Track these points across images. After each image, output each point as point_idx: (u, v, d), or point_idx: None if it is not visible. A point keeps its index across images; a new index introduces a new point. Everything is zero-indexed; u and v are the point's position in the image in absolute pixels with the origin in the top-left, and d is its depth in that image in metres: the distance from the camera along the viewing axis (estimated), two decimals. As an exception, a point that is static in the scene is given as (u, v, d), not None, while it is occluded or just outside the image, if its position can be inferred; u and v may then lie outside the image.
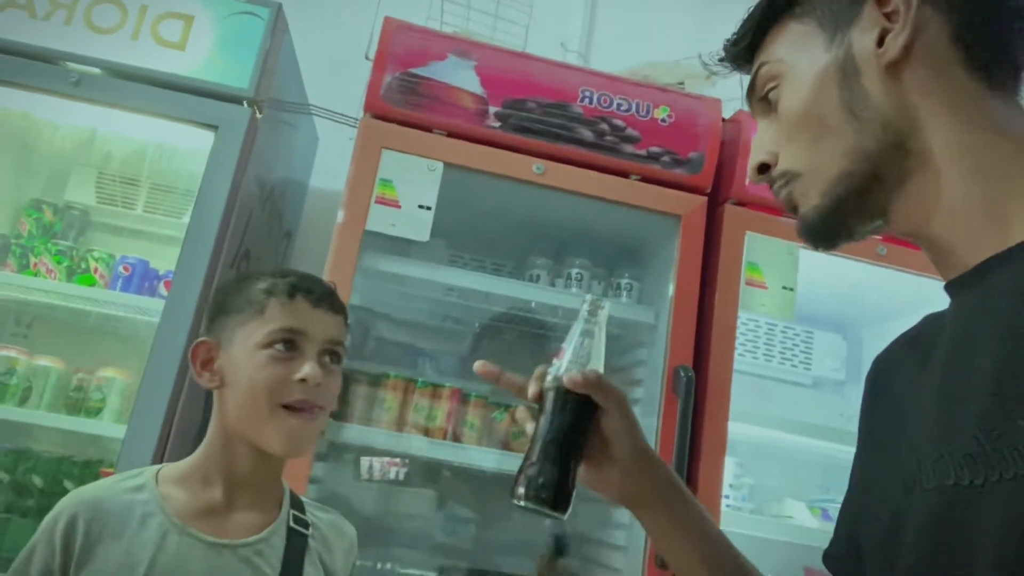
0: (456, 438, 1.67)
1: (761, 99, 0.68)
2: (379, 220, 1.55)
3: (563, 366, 0.72)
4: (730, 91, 1.75)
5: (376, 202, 1.56)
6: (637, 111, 1.68)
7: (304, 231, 2.32)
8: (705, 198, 1.70)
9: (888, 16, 0.60)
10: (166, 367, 1.47)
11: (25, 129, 1.89)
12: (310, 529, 1.04)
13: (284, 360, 0.98)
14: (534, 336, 1.92)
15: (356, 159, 1.57)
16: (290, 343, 0.98)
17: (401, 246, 1.61)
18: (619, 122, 1.67)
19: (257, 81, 1.62)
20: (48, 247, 1.79)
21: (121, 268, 1.79)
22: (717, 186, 1.72)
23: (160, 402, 1.45)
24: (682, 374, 1.56)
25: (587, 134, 1.66)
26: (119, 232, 2.04)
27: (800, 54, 0.65)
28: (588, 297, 0.75)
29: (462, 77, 1.63)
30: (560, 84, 1.67)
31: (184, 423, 1.49)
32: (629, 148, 1.67)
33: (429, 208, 1.57)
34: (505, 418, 1.76)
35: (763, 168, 0.67)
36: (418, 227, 1.56)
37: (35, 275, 1.76)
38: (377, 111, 1.59)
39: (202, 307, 1.51)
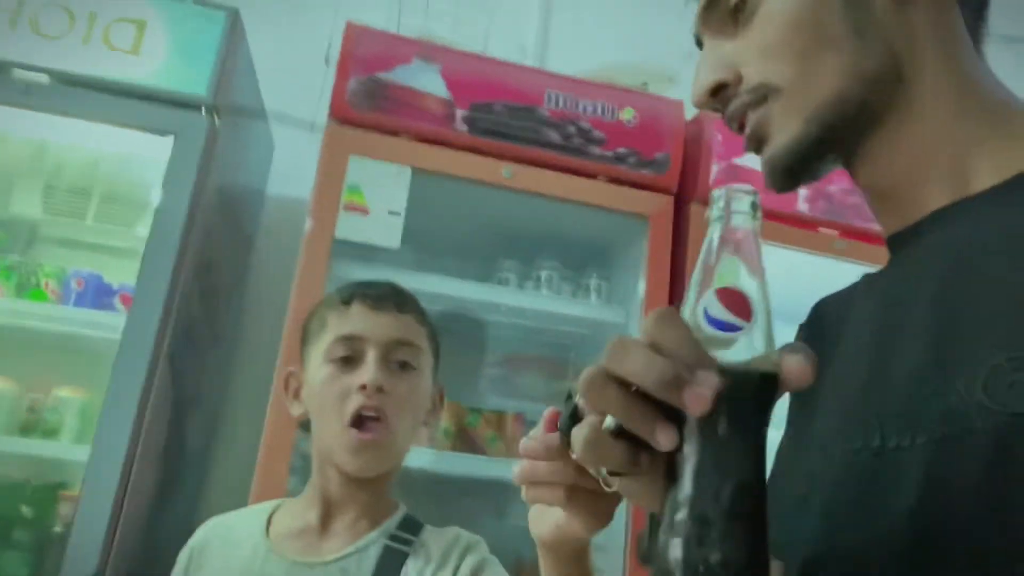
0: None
1: (730, 10, 0.57)
2: (348, 228, 1.52)
3: (757, 340, 0.40)
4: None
5: (344, 209, 1.53)
6: (603, 113, 1.69)
7: (264, 239, 2.26)
8: (672, 198, 1.72)
9: None
10: (129, 385, 1.41)
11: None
12: (413, 545, 0.97)
13: (345, 370, 0.95)
14: (503, 339, 1.92)
15: (322, 166, 1.54)
16: (349, 351, 0.96)
17: (366, 252, 1.59)
18: (585, 124, 1.68)
19: (215, 87, 1.57)
20: (-6, 263, 1.71)
21: (73, 283, 1.72)
22: (683, 186, 1.74)
23: (124, 421, 1.39)
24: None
25: (554, 136, 1.66)
26: (68, 245, 1.96)
27: None
28: (724, 190, 0.44)
29: (428, 81, 1.61)
30: (526, 87, 1.67)
31: (149, 443, 1.44)
32: (596, 150, 1.68)
33: (399, 214, 1.55)
34: (480, 421, 1.75)
35: (718, 89, 0.57)
36: (388, 233, 1.54)
37: (-17, 294, 1.68)
38: (342, 116, 1.57)
39: (165, 322, 1.46)
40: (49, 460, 1.65)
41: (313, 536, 0.97)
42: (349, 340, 0.96)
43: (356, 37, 1.60)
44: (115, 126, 1.54)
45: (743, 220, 0.43)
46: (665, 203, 1.71)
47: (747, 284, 0.41)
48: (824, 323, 0.65)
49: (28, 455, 1.59)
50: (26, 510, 1.60)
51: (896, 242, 0.57)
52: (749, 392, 0.39)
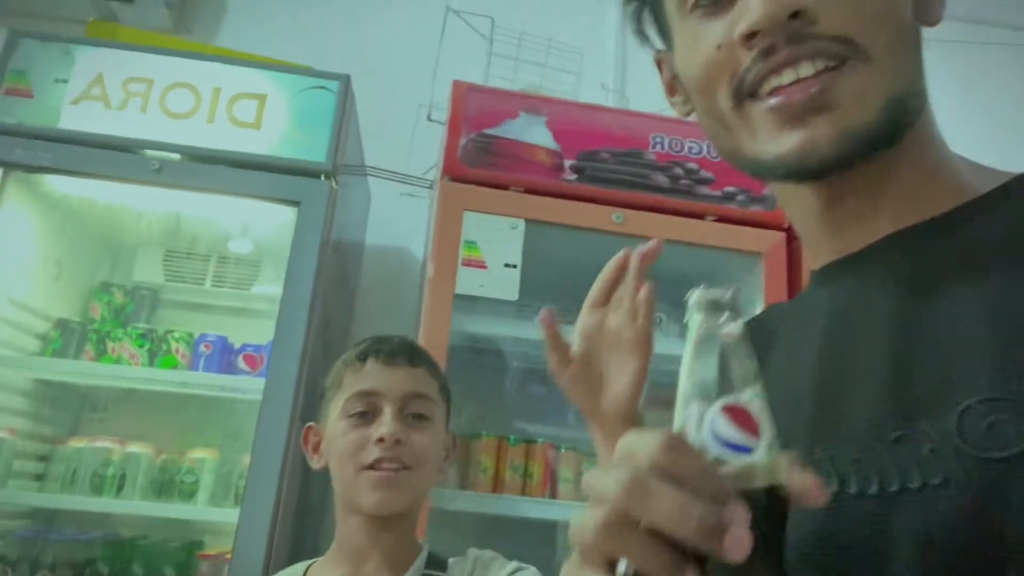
0: (553, 494, 1.66)
1: None
2: (467, 282, 1.55)
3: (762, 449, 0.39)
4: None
5: (463, 264, 1.56)
6: (709, 152, 1.69)
7: (366, 289, 2.33)
8: (784, 233, 1.70)
9: None
10: (272, 445, 1.46)
11: (110, 219, 1.90)
12: None
13: (361, 424, 0.99)
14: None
15: (439, 223, 1.58)
16: (366, 406, 1.00)
17: (466, 302, 1.61)
18: (692, 165, 1.68)
19: (333, 152, 1.63)
20: (128, 332, 1.79)
21: (202, 347, 1.79)
22: (793, 220, 1.72)
23: (270, 482, 1.44)
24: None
25: (662, 179, 1.67)
26: (189, 308, 2.05)
27: None
28: (699, 291, 0.44)
29: (535, 133, 1.64)
30: (631, 132, 1.69)
31: (290, 502, 1.48)
32: (704, 189, 1.68)
33: (515, 266, 1.58)
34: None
35: (795, 16, 0.46)
36: (506, 286, 1.57)
37: (117, 361, 1.76)
38: (455, 174, 1.60)
39: (301, 381, 1.51)
40: (185, 521, 1.71)
41: None
42: (365, 396, 0.99)
43: (463, 95, 1.65)
44: (244, 198, 1.61)
45: (727, 324, 0.41)
46: (778, 239, 1.69)
47: (746, 395, 0.40)
48: (755, 336, 0.61)
49: (165, 517, 1.65)
50: (169, 571, 1.66)
51: (830, 273, 0.54)
52: (773, 514, 0.42)
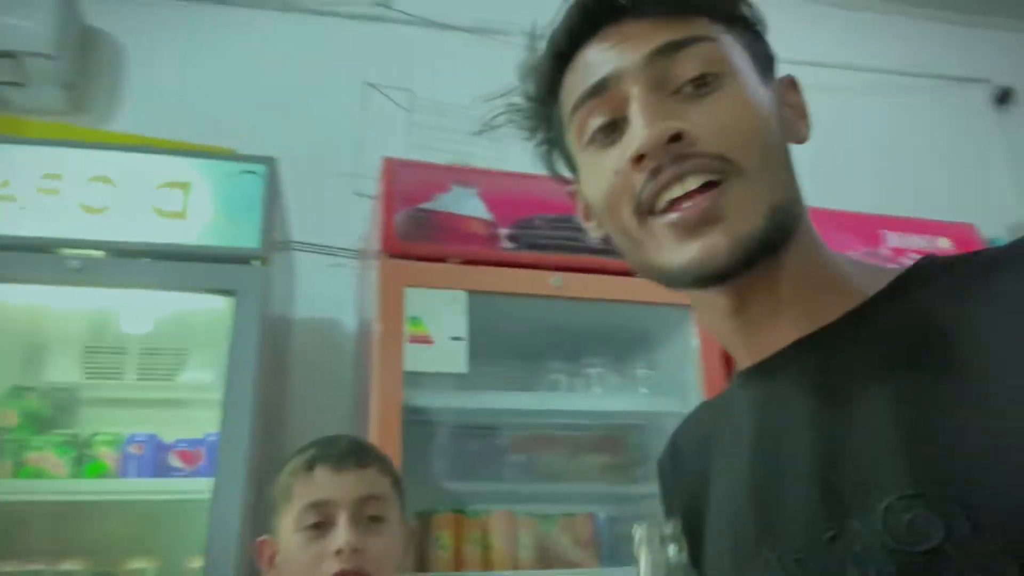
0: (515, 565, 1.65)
1: (686, 79, 0.55)
2: (415, 358, 1.55)
3: None
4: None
5: (409, 341, 1.56)
6: (635, 212, 1.77)
7: (296, 364, 2.27)
8: (710, 284, 1.78)
9: (785, 103, 0.60)
10: (226, 547, 1.39)
11: (21, 320, 1.78)
12: None
13: (317, 536, 0.98)
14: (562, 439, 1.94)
15: (382, 301, 1.57)
16: (320, 516, 0.98)
17: (411, 376, 1.60)
18: (621, 225, 1.75)
19: (265, 236, 1.60)
20: (49, 438, 1.68)
21: (131, 448, 1.69)
22: (718, 270, 1.81)
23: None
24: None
25: (594, 241, 1.72)
26: (110, 405, 1.93)
27: (741, 64, 0.57)
28: (646, 527, 0.51)
29: (468, 205, 1.67)
30: (561, 197, 1.74)
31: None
32: (634, 248, 1.74)
33: (462, 339, 1.58)
34: (556, 529, 1.76)
35: (676, 138, 0.52)
36: (454, 359, 1.57)
37: (38, 474, 1.64)
38: (393, 250, 1.61)
39: (251, 477, 1.45)
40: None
41: None
42: (318, 506, 0.98)
43: (393, 170, 1.66)
44: (175, 291, 1.55)
45: (673, 553, 0.47)
46: (706, 289, 1.77)
47: None
48: (683, 458, 0.68)
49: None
50: None
51: (751, 376, 0.59)
52: None
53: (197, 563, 1.63)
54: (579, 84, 0.58)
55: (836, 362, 0.52)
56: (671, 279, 0.55)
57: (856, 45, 3.05)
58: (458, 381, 1.63)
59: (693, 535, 0.63)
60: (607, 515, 1.93)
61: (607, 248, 1.75)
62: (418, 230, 1.62)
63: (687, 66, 0.54)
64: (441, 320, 1.59)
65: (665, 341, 1.88)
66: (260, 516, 1.51)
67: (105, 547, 1.66)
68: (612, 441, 1.98)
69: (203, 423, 1.81)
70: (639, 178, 0.54)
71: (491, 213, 1.68)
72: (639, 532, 0.49)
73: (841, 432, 0.50)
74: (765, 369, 0.57)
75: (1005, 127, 3.09)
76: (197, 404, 1.95)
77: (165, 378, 1.94)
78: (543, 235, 1.69)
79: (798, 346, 0.55)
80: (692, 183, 0.52)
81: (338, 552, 0.95)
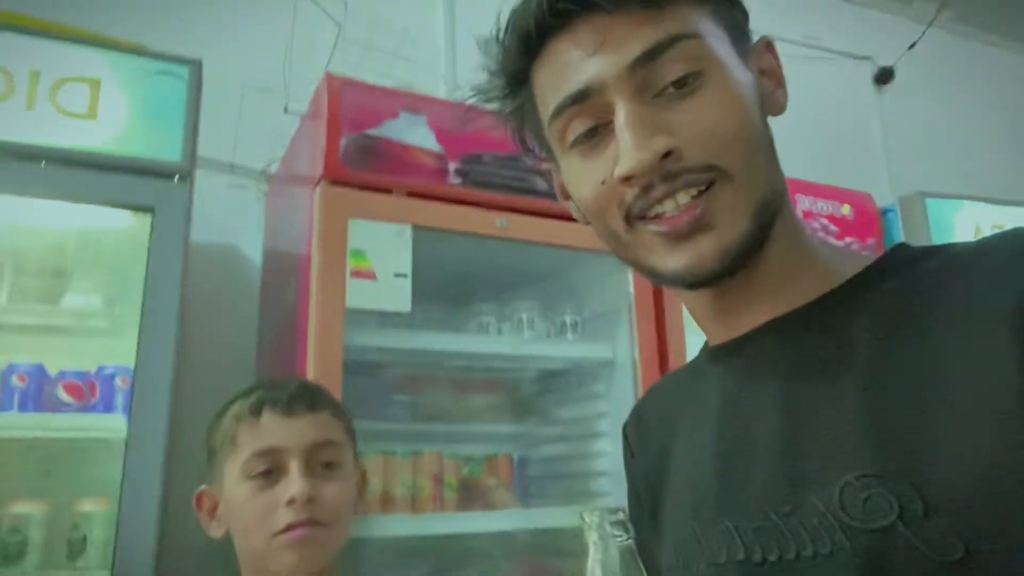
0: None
1: (669, 81, 0.54)
2: (357, 295, 1.45)
3: None
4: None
5: (351, 276, 1.46)
6: (581, 157, 1.74)
7: (194, 294, 2.07)
8: (647, 235, 1.80)
9: (763, 71, 0.60)
10: (147, 491, 1.26)
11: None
12: None
13: (267, 485, 0.91)
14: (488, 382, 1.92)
15: (323, 231, 1.45)
16: (269, 464, 0.91)
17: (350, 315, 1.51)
18: (568, 170, 1.71)
19: (189, 150, 1.42)
20: (-90, 365, 1.43)
21: (14, 378, 1.49)
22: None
23: (147, 535, 1.24)
24: (660, 406, 1.67)
25: (542, 184, 1.68)
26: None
27: (722, 52, 0.56)
28: (595, 513, 0.49)
29: (417, 135, 1.57)
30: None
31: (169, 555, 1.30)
32: (578, 194, 1.72)
33: (406, 276, 1.50)
34: (482, 471, 1.75)
35: (666, 155, 0.53)
36: (398, 297, 1.49)
37: (-101, 403, 1.40)
38: (336, 177, 1.48)
39: (174, 415, 1.32)
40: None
41: None
42: (267, 453, 0.91)
43: (338, 90, 1.52)
44: (83, 203, 1.35)
45: (620, 542, 0.47)
46: (643, 240, 1.79)
47: None
48: (648, 427, 0.70)
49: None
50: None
51: (723, 352, 0.61)
52: None
53: (88, 507, 1.49)
54: (558, 86, 0.56)
55: (807, 344, 0.54)
56: (661, 281, 0.57)
57: (758, 13, 3.15)
58: (383, 320, 1.55)
59: (654, 501, 0.66)
60: (519, 456, 1.95)
61: (551, 192, 1.71)
62: (363, 157, 1.50)
63: (670, 69, 0.54)
64: (385, 255, 1.49)
65: (598, 289, 1.88)
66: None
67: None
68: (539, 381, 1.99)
69: (86, 355, 1.63)
70: (629, 192, 0.54)
71: (440, 145, 1.58)
72: (588, 518, 0.49)
73: (806, 411, 0.51)
74: (737, 347, 0.59)
75: (884, 105, 3.33)
76: (76, 332, 1.75)
77: (46, 302, 1.71)
78: (492, 172, 1.62)
79: (771, 327, 0.57)
80: (683, 198, 0.53)
81: (290, 502, 0.88)
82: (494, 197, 1.62)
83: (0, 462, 1.51)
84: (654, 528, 0.66)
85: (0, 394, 1.48)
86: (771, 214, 0.56)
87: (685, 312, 1.76)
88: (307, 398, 0.95)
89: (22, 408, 1.47)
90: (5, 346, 1.59)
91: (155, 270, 1.35)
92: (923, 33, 3.33)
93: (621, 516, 0.48)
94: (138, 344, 1.31)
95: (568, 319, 1.90)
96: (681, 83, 0.54)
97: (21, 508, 1.43)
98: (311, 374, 1.38)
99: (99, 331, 1.75)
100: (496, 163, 1.63)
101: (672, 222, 0.53)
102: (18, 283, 1.69)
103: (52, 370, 1.54)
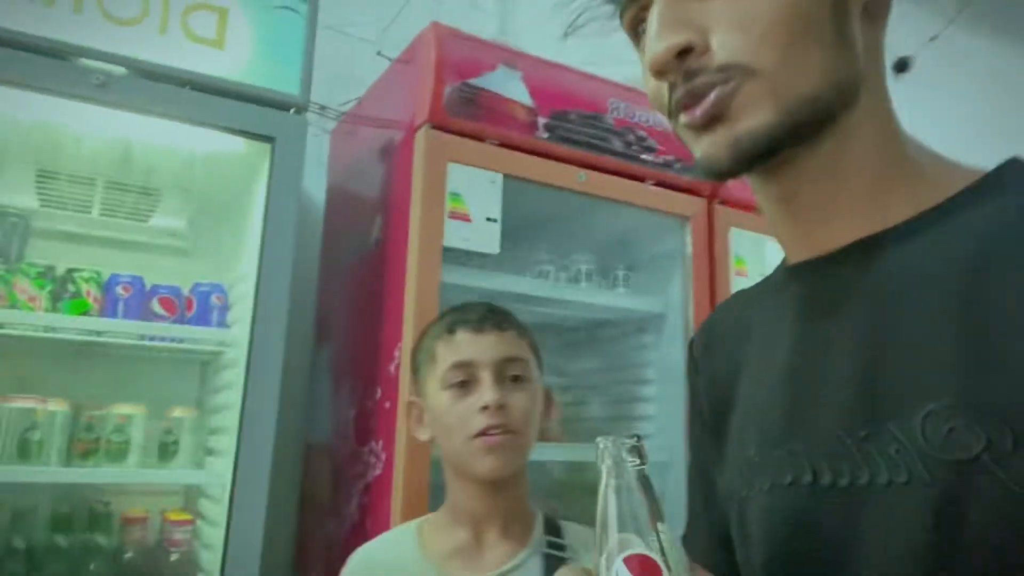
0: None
1: None
2: (453, 235, 1.55)
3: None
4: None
5: (449, 217, 1.55)
6: (654, 122, 1.84)
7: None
8: (706, 200, 1.93)
9: None
10: (266, 406, 1.36)
11: (43, 143, 1.53)
12: (567, 551, 1.07)
13: (463, 394, 1.04)
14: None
15: (425, 172, 1.54)
16: (464, 375, 1.04)
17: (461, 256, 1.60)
18: (642, 132, 1.82)
19: (307, 87, 1.50)
20: (24, 268, 1.50)
21: (119, 289, 1.57)
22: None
23: (264, 448, 1.35)
24: (710, 359, 1.81)
25: (618, 144, 1.78)
26: (66, 239, 1.75)
27: None
28: (609, 440, 0.49)
29: (513, 88, 1.65)
30: (593, 95, 1.77)
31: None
32: (649, 156, 1.83)
33: (496, 220, 1.60)
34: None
35: (685, 52, 0.51)
36: (489, 240, 1.59)
37: (13, 305, 1.47)
38: (439, 122, 1.57)
39: (288, 339, 1.42)
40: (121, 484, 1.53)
41: (471, 552, 1.04)
42: (462, 366, 1.04)
43: (444, 40, 1.59)
44: (207, 128, 1.42)
45: (633, 468, 0.47)
46: (702, 205, 1.91)
47: (651, 540, 0.45)
48: (716, 344, 0.68)
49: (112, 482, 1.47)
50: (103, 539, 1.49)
51: (805, 270, 0.57)
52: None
53: (178, 412, 1.59)
54: None
55: (900, 267, 0.50)
56: (699, 171, 0.55)
57: None
58: (484, 262, 1.66)
59: (717, 420, 0.64)
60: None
61: (626, 152, 1.83)
62: (464, 106, 1.59)
63: None
64: (478, 199, 1.59)
65: (658, 246, 1.99)
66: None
67: (87, 391, 1.55)
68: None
69: (174, 271, 1.71)
70: (663, 87, 0.54)
71: (533, 100, 1.67)
72: (602, 444, 0.49)
73: (891, 336, 0.48)
74: (819, 265, 0.55)
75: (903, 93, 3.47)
76: (164, 250, 1.83)
77: (135, 219, 1.78)
78: (576, 130, 1.72)
79: (858, 247, 0.53)
80: (707, 102, 0.51)
81: (484, 408, 1.00)
82: (574, 153, 1.72)
83: (102, 367, 1.59)
84: (716, 447, 0.64)
85: (104, 302, 1.56)
86: (822, 110, 0.51)
87: (734, 275, 1.91)
88: (495, 319, 1.07)
89: (125, 317, 1.55)
90: (97, 258, 1.67)
91: (276, 198, 1.43)
92: (946, 27, 3.46)
93: (635, 443, 0.48)
94: (259, 264, 1.40)
95: (621, 274, 2.03)
96: None
97: (125, 410, 1.53)
98: (409, 307, 1.49)
99: (178, 249, 1.83)
100: (581, 120, 1.73)
101: (689, 113, 0.52)
102: (108, 199, 1.75)
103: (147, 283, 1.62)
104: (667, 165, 1.86)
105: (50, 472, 1.38)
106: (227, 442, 1.56)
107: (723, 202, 1.97)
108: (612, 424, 2.03)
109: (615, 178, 1.78)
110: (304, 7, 1.52)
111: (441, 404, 1.04)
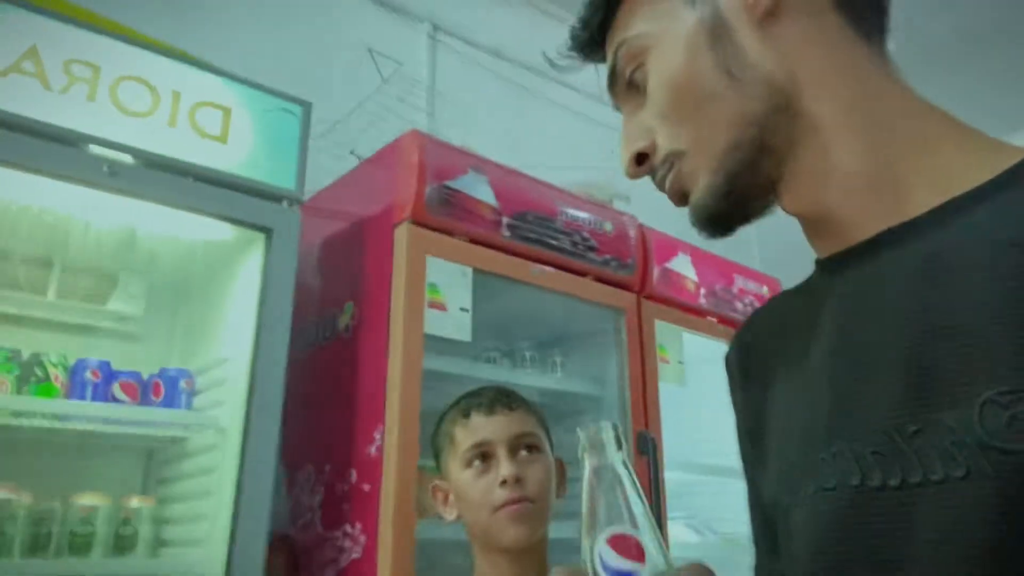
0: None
1: (627, 84, 0.60)
2: (432, 324, 1.67)
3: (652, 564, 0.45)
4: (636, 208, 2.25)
5: (428, 306, 1.67)
6: (594, 225, 2.07)
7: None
8: (636, 295, 2.16)
9: None
10: (261, 485, 1.38)
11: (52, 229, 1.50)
12: None
13: (484, 471, 1.14)
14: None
15: (408, 264, 1.66)
16: (482, 456, 1.15)
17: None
18: (586, 234, 2.04)
19: (301, 181, 1.59)
20: (-10, 352, 1.44)
21: (88, 373, 1.54)
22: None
23: (260, 523, 1.36)
24: (647, 437, 2.00)
25: (566, 243, 1.99)
26: (12, 322, 1.68)
27: (662, 22, 0.58)
28: (590, 428, 0.50)
29: (481, 190, 1.83)
30: (547, 200, 1.98)
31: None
32: (591, 255, 2.05)
33: (467, 310, 1.74)
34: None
35: (641, 158, 0.60)
36: (462, 328, 1.72)
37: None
38: (420, 219, 1.70)
39: (283, 419, 1.46)
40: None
41: None
42: (480, 445, 1.14)
43: (422, 145, 1.75)
44: (208, 217, 1.47)
45: (613, 453, 0.48)
46: (634, 299, 2.15)
47: (632, 519, 0.46)
48: (752, 353, 0.65)
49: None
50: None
51: (836, 264, 0.55)
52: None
53: (136, 502, 1.57)
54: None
55: (939, 252, 0.48)
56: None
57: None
58: (453, 349, 1.78)
59: (759, 429, 0.61)
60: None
61: (572, 251, 2.06)
62: (441, 205, 1.74)
63: (623, 74, 0.61)
64: (452, 290, 1.73)
65: (596, 335, 2.18)
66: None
67: (47, 481, 1.48)
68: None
69: (122, 354, 1.70)
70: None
71: (498, 202, 1.85)
72: (583, 434, 0.49)
73: (936, 323, 0.46)
74: (853, 256, 0.53)
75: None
76: (113, 335, 1.81)
77: (91, 302, 1.75)
78: (532, 229, 1.91)
79: (892, 235, 0.51)
80: (667, 184, 0.60)
81: (504, 482, 1.10)
82: (530, 249, 1.91)
83: (64, 455, 1.53)
84: (761, 461, 0.60)
85: (71, 387, 1.52)
86: (752, 147, 0.54)
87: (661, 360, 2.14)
88: (504, 400, 1.18)
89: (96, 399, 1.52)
90: (45, 342, 1.62)
91: (272, 287, 1.49)
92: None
93: (614, 432, 0.48)
94: (255, 350, 1.44)
95: (558, 360, 2.20)
96: (632, 84, 0.60)
97: (88, 500, 1.47)
98: (393, 392, 1.57)
99: (130, 335, 1.81)
100: (536, 221, 1.93)
101: (670, 198, 0.60)
102: (65, 281, 1.72)
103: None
104: (606, 263, 2.09)
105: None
106: (183, 532, 1.55)
107: (648, 297, 2.22)
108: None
109: (563, 273, 1.97)
110: (299, 109, 1.62)
111: (464, 482, 1.13)
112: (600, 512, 0.47)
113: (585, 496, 0.48)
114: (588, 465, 0.49)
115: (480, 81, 2.73)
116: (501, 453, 1.13)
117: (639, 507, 0.47)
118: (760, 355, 0.63)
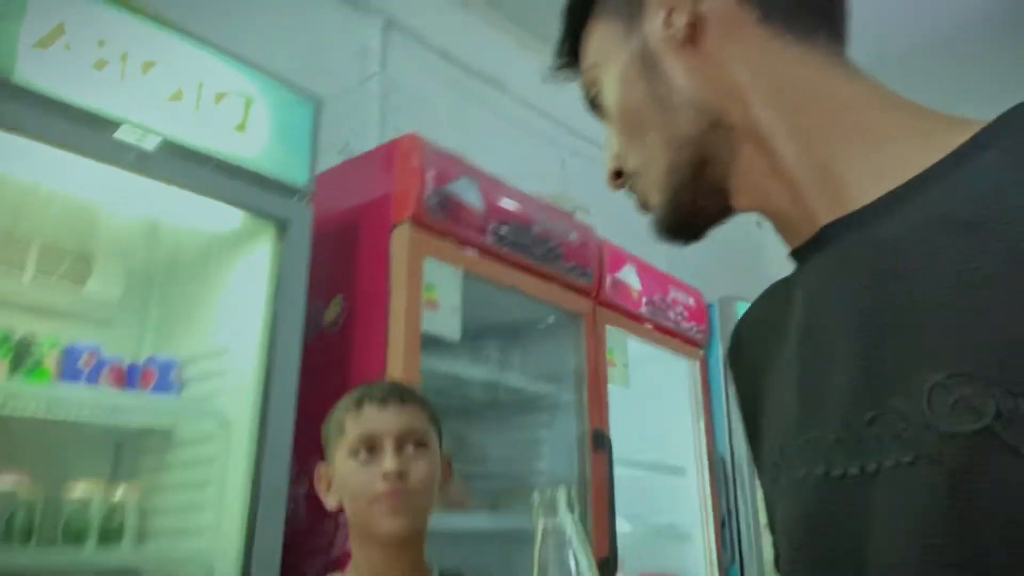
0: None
1: (593, 107, 0.66)
2: (427, 322, 1.74)
3: None
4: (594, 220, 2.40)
5: (424, 305, 1.74)
6: (563, 234, 2.20)
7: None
8: (592, 300, 2.31)
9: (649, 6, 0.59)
10: (278, 477, 1.40)
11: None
12: None
13: (368, 463, 1.11)
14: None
15: (408, 266, 1.72)
16: (369, 447, 1.11)
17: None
18: (555, 243, 2.17)
19: (312, 174, 1.61)
20: (-18, 334, 1.37)
21: (83, 358, 1.49)
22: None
23: (277, 515, 1.38)
24: (603, 434, 2.16)
25: (540, 251, 2.11)
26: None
27: (607, 53, 0.62)
28: (545, 492, 0.56)
29: (472, 196, 1.91)
30: (525, 210, 2.08)
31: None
32: (559, 263, 2.18)
33: (457, 310, 1.82)
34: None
35: (618, 174, 0.65)
36: (452, 327, 1.80)
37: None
38: (419, 221, 1.76)
39: (296, 414, 1.48)
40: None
41: None
42: (367, 437, 1.11)
43: (421, 151, 1.81)
44: (228, 204, 1.47)
45: (564, 514, 0.53)
46: (591, 305, 2.30)
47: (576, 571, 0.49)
48: (745, 349, 0.66)
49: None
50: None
51: (797, 258, 0.57)
52: None
53: (123, 491, 1.55)
54: None
55: (890, 238, 0.48)
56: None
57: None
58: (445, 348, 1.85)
59: (754, 427, 0.62)
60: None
61: (544, 258, 2.21)
62: (438, 208, 1.80)
63: (590, 97, 0.66)
64: (445, 290, 1.80)
65: (541, 338, 2.32)
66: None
67: (42, 468, 1.43)
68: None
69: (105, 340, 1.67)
70: None
71: (485, 208, 1.94)
72: (537, 497, 0.53)
73: (889, 310, 0.46)
74: (808, 249, 0.55)
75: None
76: (92, 320, 1.75)
77: (72, 283, 1.68)
78: (512, 235, 2.01)
79: (834, 228, 0.52)
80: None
81: (386, 475, 1.10)
82: (509, 254, 2.01)
83: (59, 442, 1.48)
84: (758, 455, 0.62)
85: (64, 372, 1.47)
86: (691, 165, 0.58)
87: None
88: (398, 394, 1.17)
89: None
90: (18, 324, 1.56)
91: (286, 279, 1.51)
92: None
93: (565, 495, 0.52)
94: (270, 341, 1.46)
95: (516, 360, 2.32)
96: (597, 106, 0.66)
97: (83, 490, 1.44)
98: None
99: (103, 321, 1.76)
100: (516, 228, 2.03)
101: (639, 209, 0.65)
102: (43, 262, 1.65)
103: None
104: (570, 271, 2.22)
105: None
106: (171, 522, 1.55)
107: (601, 303, 2.38)
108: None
109: (535, 278, 2.09)
110: (312, 103, 1.64)
111: (347, 471, 1.11)
112: (550, 569, 0.52)
113: (536, 552, 0.53)
114: (540, 524, 0.54)
115: (433, 84, 2.80)
116: (388, 446, 1.10)
117: (584, 563, 0.52)
118: (751, 348, 0.65)
